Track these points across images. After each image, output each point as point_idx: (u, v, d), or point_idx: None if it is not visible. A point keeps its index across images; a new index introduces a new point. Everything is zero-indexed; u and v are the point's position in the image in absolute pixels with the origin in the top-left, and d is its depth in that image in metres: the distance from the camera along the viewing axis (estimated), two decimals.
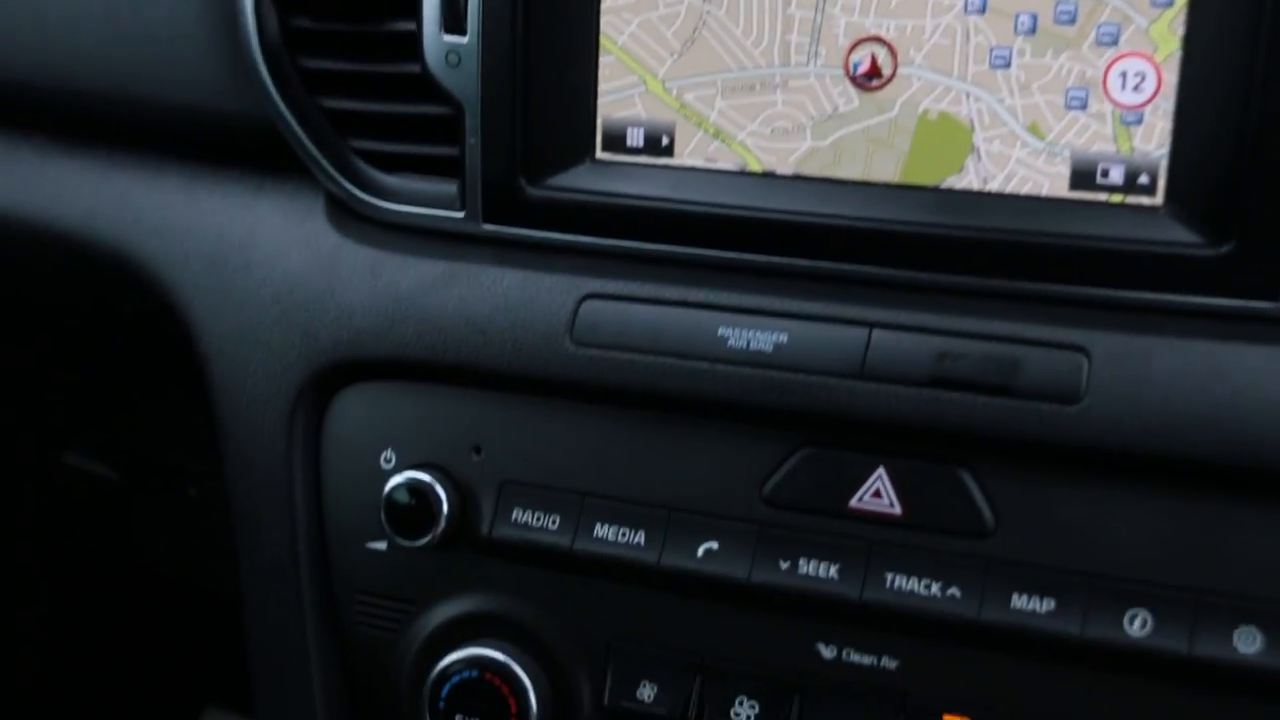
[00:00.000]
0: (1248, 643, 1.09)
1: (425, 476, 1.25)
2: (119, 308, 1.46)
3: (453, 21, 1.27)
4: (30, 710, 2.61)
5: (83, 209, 1.46)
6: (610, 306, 1.23)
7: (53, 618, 2.57)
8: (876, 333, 1.17)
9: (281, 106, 1.34)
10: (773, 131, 1.24)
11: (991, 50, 1.19)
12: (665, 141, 1.27)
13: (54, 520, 2.28)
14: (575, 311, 1.23)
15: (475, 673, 1.26)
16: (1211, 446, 1.09)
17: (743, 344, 1.19)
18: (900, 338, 1.17)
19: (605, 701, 1.24)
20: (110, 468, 1.94)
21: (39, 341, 1.65)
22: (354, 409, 1.32)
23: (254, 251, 1.36)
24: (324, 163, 1.34)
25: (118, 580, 2.54)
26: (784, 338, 1.18)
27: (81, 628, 2.66)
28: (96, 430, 1.92)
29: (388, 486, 1.26)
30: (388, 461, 1.29)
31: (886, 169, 1.22)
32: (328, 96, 1.35)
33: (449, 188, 1.31)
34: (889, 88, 1.22)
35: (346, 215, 1.35)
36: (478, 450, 1.27)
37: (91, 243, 1.43)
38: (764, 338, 1.19)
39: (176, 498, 1.94)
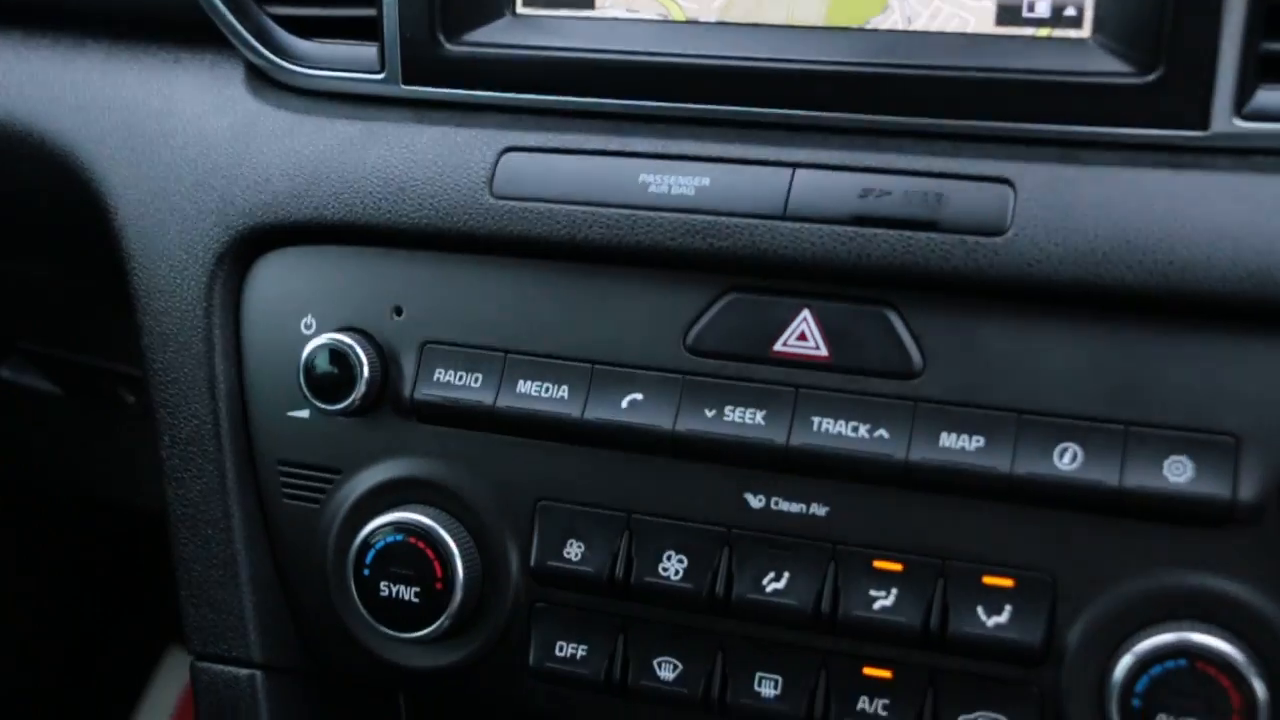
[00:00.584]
0: (1178, 472, 1.06)
1: (345, 339, 1.23)
2: (35, 200, 1.42)
3: None
4: None
5: None
6: (530, 159, 1.21)
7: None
8: (799, 173, 1.14)
9: None
10: None
11: None
12: None
13: None
14: (495, 165, 1.20)
15: (400, 537, 1.23)
16: (1139, 273, 1.07)
17: (664, 189, 1.17)
18: (823, 177, 1.14)
19: (532, 562, 1.20)
20: (48, 380, 1.90)
21: None
22: (273, 275, 1.29)
23: (171, 121, 1.33)
24: (241, 30, 1.31)
25: (69, 513, 2.51)
26: (706, 181, 1.15)
27: (36, 564, 2.64)
28: (31, 342, 1.88)
29: (306, 350, 1.24)
30: (308, 327, 1.27)
31: (811, 11, 1.19)
32: None
33: (367, 50, 1.28)
34: None
35: (265, 83, 1.33)
36: (399, 311, 1.24)
37: (6, 123, 1.40)
38: (686, 182, 1.16)
39: (115, 411, 1.90)
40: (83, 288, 1.49)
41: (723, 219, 1.16)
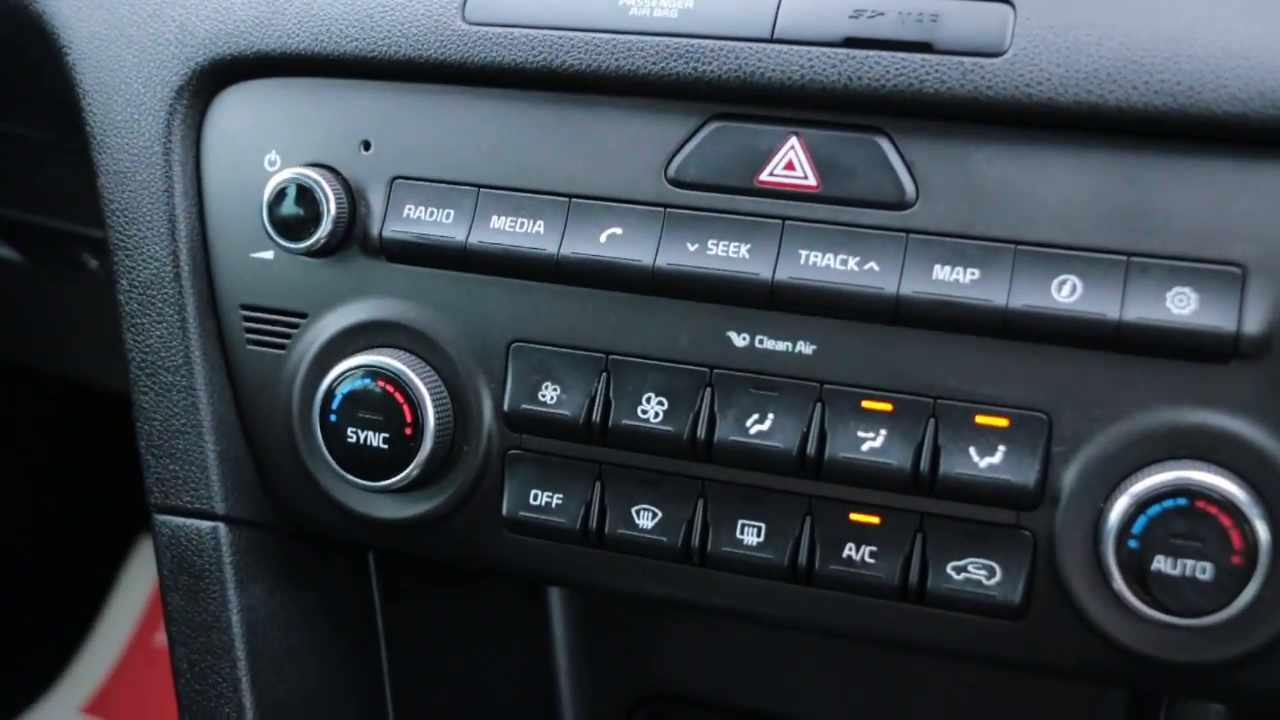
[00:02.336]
0: (1181, 304, 1.03)
1: (310, 174, 1.18)
2: None
3: None
4: None
5: None
6: None
7: None
8: None
9: None
10: None
11: None
12: None
13: None
14: None
15: (368, 381, 1.19)
16: (1145, 95, 1.03)
17: (646, 11, 1.12)
18: None
19: (506, 406, 1.16)
20: (9, 246, 1.84)
21: None
22: (235, 110, 1.25)
23: None
24: None
25: (39, 389, 2.48)
26: (690, 3, 1.12)
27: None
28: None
29: (269, 187, 1.19)
30: (272, 164, 1.22)
31: None
32: None
33: None
34: None
35: None
36: (367, 146, 1.20)
37: None
38: (669, 4, 1.12)
39: (79, 276, 1.85)
40: (42, 141, 1.43)
41: (707, 42, 1.11)
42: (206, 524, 1.31)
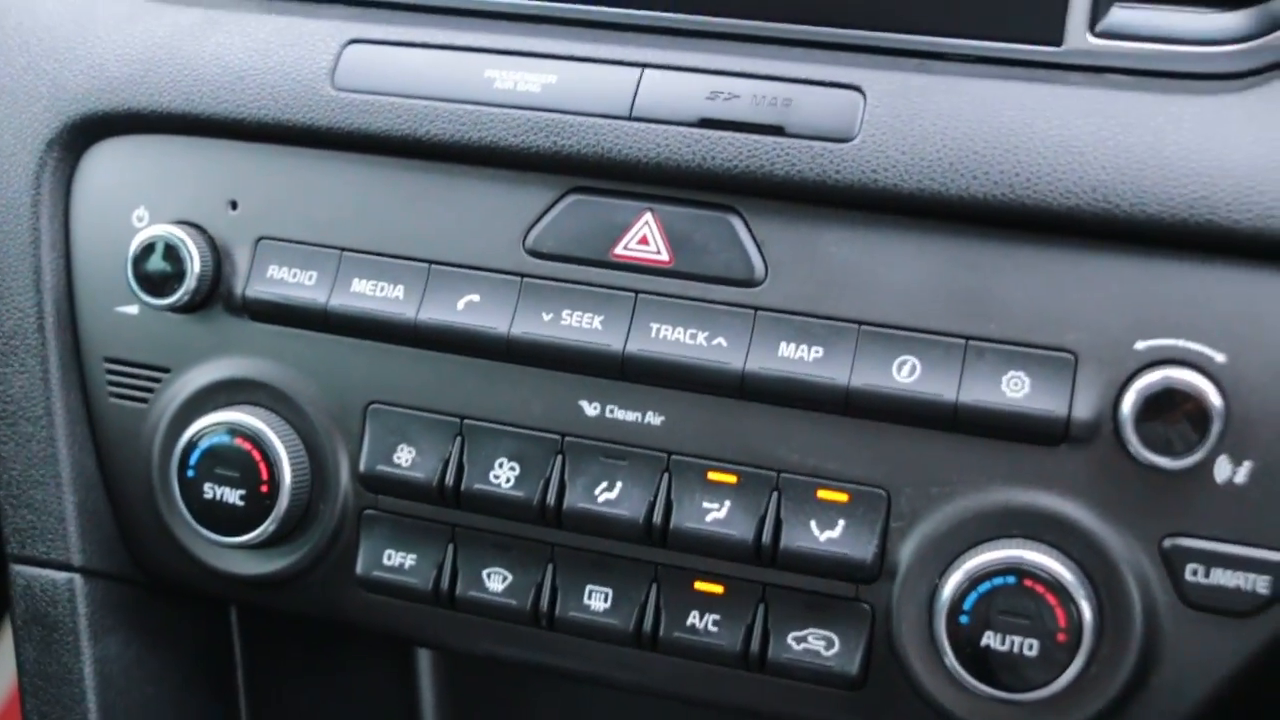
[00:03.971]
0: (1015, 388, 1.04)
1: (176, 231, 1.18)
2: None
3: None
4: None
5: None
6: (375, 51, 1.17)
7: None
8: (647, 73, 1.11)
9: None
10: None
11: None
12: None
13: None
14: (339, 56, 1.16)
15: (227, 438, 1.18)
16: (985, 185, 1.05)
17: (510, 85, 1.13)
18: (671, 77, 1.11)
19: (362, 467, 1.16)
20: None
21: None
22: (106, 165, 1.24)
23: (6, 3, 1.25)
24: None
25: None
26: (553, 79, 1.12)
27: None
28: None
29: (135, 242, 1.18)
30: (140, 220, 1.22)
31: None
32: None
33: None
34: None
35: None
36: (234, 205, 1.20)
37: None
38: (532, 79, 1.13)
39: None
40: None
41: (567, 117, 1.12)
42: (62, 575, 1.30)
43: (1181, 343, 1.02)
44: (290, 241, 1.19)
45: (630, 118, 1.11)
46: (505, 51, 1.15)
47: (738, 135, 1.09)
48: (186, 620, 1.36)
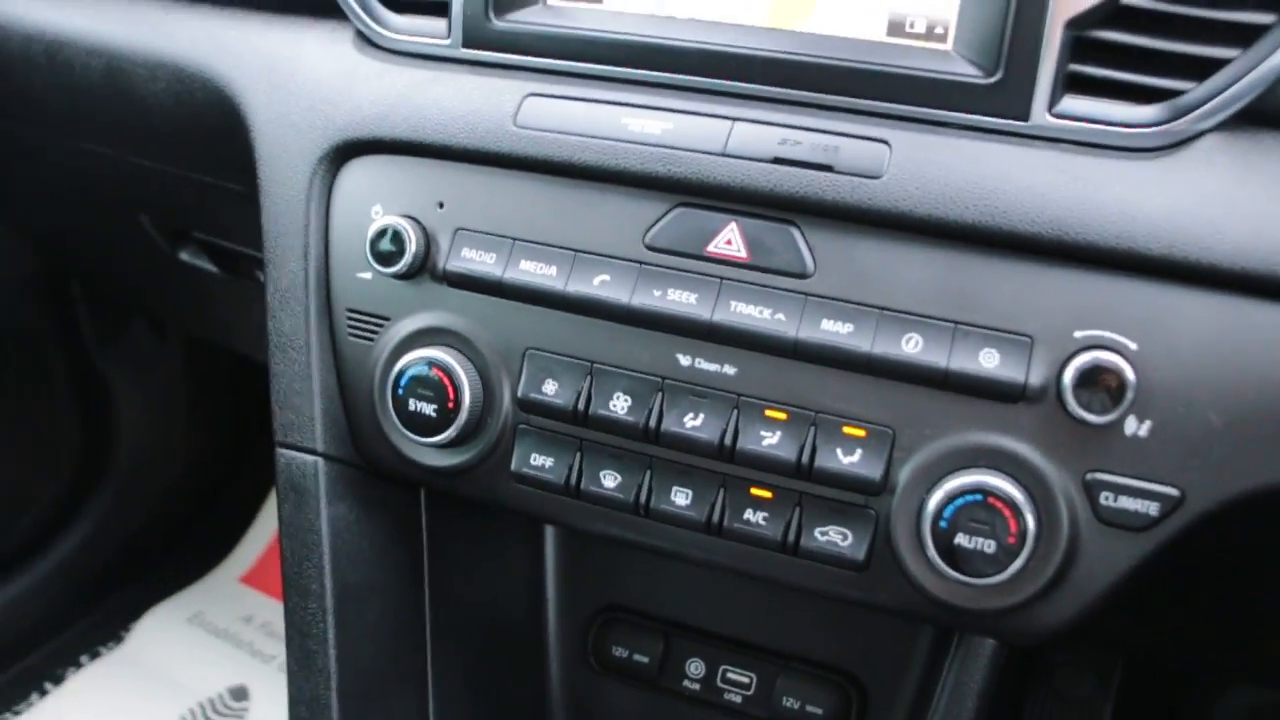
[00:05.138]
0: (989, 360, 1.03)
1: (400, 221, 1.19)
2: (204, 123, 1.39)
3: None
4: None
5: (186, 45, 1.40)
6: (546, 102, 1.18)
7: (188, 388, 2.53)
8: (737, 125, 1.11)
9: None
10: None
11: None
12: None
13: (181, 308, 2.23)
14: (520, 104, 1.16)
15: (426, 368, 1.20)
16: (975, 214, 1.04)
17: (639, 128, 1.14)
18: (754, 128, 1.11)
19: (519, 394, 1.16)
20: (211, 262, 1.87)
21: (166, 151, 1.59)
22: (356, 175, 1.26)
23: (298, 65, 1.30)
24: (354, 5, 1.27)
25: (226, 363, 2.49)
26: (670, 125, 1.13)
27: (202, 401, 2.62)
28: (204, 231, 1.85)
29: (372, 228, 1.19)
30: (376, 213, 1.23)
31: (756, 14, 1.17)
32: None
33: (440, 24, 1.25)
34: None
35: (366, 43, 1.29)
36: (441, 205, 1.21)
37: (190, 68, 1.38)
38: (655, 124, 1.13)
39: (251, 285, 1.88)
40: (235, 192, 1.45)
41: (678, 153, 1.12)
42: (310, 458, 1.32)
43: (1107, 333, 1.02)
44: (479, 232, 1.20)
45: (723, 154, 1.11)
46: (637, 105, 1.15)
47: (799, 170, 1.09)
48: (391, 495, 1.38)
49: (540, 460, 1.20)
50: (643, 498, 1.17)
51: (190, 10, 1.46)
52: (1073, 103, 1.06)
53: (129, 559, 2.61)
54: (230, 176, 1.53)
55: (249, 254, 1.78)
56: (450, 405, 1.20)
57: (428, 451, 1.25)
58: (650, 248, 1.15)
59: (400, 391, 1.22)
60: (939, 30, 1.11)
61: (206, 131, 1.44)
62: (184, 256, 1.95)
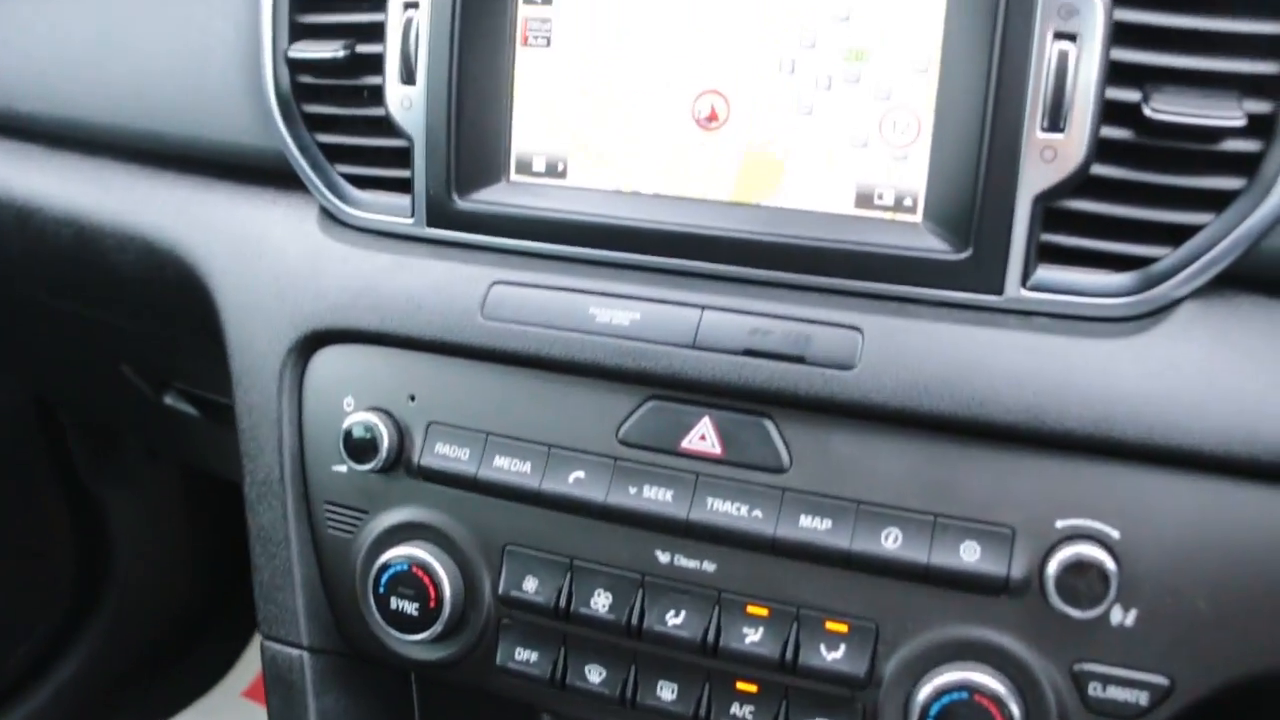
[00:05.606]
0: (970, 554, 1.05)
1: (372, 417, 1.21)
2: (174, 292, 1.43)
3: (406, 75, 1.22)
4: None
5: (154, 218, 1.43)
6: (512, 290, 1.19)
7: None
8: (706, 313, 1.13)
9: (288, 141, 1.31)
10: (639, 160, 1.19)
11: (799, 102, 1.14)
12: (560, 167, 1.22)
13: (169, 442, 2.27)
14: (486, 294, 1.19)
15: (406, 566, 1.22)
16: (949, 405, 1.05)
17: (607, 320, 1.15)
18: (723, 317, 1.12)
19: (500, 591, 1.19)
20: (192, 407, 1.93)
21: (139, 318, 1.64)
22: (326, 364, 1.28)
23: (265, 246, 1.33)
24: (316, 182, 1.30)
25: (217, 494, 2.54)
26: (638, 315, 1.14)
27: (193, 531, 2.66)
28: (183, 382, 1.90)
29: (345, 424, 1.22)
30: (349, 405, 1.25)
31: (722, 189, 1.18)
32: (321, 132, 1.31)
33: (403, 201, 1.27)
34: (724, 128, 1.17)
35: (331, 220, 1.31)
36: (413, 398, 1.23)
37: (159, 243, 1.41)
38: (623, 315, 1.15)
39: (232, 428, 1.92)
40: (210, 349, 1.49)
41: (648, 345, 1.14)
42: (295, 651, 1.34)
43: (1088, 522, 1.03)
44: (452, 426, 1.22)
45: (693, 347, 1.13)
46: (604, 294, 1.17)
47: (771, 363, 1.10)
48: (382, 682, 1.39)
49: (524, 655, 1.23)
50: (628, 693, 1.19)
51: (157, 178, 1.50)
52: (1046, 274, 1.07)
53: (129, 682, 2.65)
54: (204, 338, 1.58)
55: (229, 404, 1.83)
56: (432, 604, 1.23)
57: (413, 646, 1.27)
58: (624, 442, 1.17)
59: (381, 589, 1.24)
60: (908, 202, 1.13)
61: (178, 302, 1.48)
62: (168, 401, 2.01)
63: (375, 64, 1.26)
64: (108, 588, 2.57)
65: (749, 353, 1.11)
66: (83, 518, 2.50)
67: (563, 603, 1.18)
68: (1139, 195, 1.05)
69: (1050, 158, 1.04)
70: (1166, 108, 1.00)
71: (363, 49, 1.27)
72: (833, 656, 1.10)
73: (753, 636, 1.12)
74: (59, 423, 2.44)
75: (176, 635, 2.74)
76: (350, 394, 1.26)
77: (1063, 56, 1.02)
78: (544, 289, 1.19)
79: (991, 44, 1.04)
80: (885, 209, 1.12)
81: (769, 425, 1.11)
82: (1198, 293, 1.05)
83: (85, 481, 2.50)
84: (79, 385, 2.18)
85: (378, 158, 1.30)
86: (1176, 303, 1.05)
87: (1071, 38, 1.02)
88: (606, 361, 1.15)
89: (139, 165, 1.51)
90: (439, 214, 1.25)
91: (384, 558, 1.23)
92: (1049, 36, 1.02)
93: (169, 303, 1.48)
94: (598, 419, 1.17)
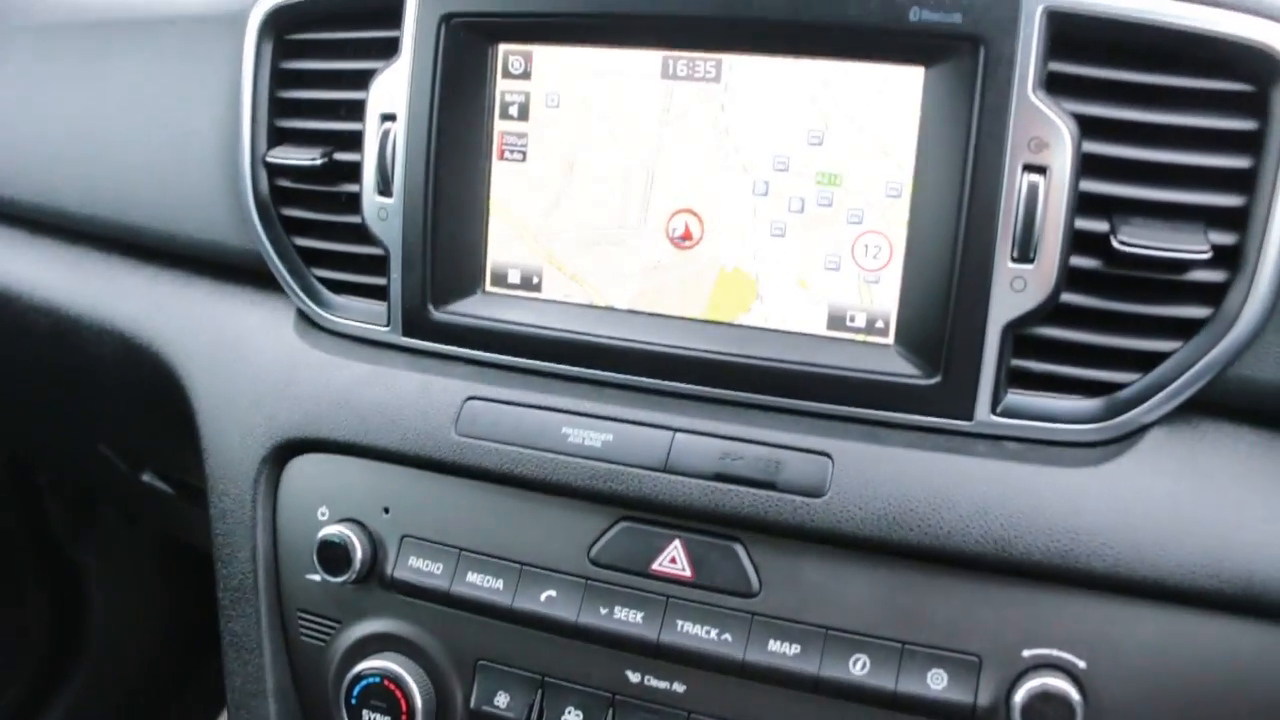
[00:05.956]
0: (937, 681, 1.08)
1: (346, 530, 1.24)
2: (150, 385, 1.47)
3: (383, 187, 1.26)
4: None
5: (132, 311, 1.46)
6: (486, 406, 1.22)
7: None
8: (678, 435, 1.15)
9: (266, 243, 1.34)
10: (614, 275, 1.23)
11: (772, 223, 1.17)
12: (535, 280, 1.26)
13: (149, 517, 2.31)
14: (460, 408, 1.22)
15: (378, 678, 1.24)
16: (918, 535, 1.08)
17: (579, 440, 1.18)
18: (695, 440, 1.15)
19: (472, 705, 1.23)
20: (169, 486, 1.97)
21: (116, 405, 1.68)
22: (301, 474, 1.30)
23: (241, 349, 1.35)
24: (293, 285, 1.34)
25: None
26: (610, 437, 1.17)
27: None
28: (160, 465, 1.95)
29: (319, 536, 1.25)
30: (323, 515, 1.28)
31: (695, 307, 1.21)
32: (298, 236, 1.35)
33: (380, 307, 1.30)
34: (698, 247, 1.20)
35: (308, 324, 1.35)
36: (387, 510, 1.25)
37: (137, 338, 1.44)
38: (595, 436, 1.17)
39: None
40: (187, 443, 1.54)
41: (619, 468, 1.16)
42: None
43: (1055, 652, 1.06)
44: (425, 540, 1.25)
45: (665, 470, 1.16)
46: (576, 413, 1.19)
47: (742, 488, 1.14)
48: None
49: None
50: None
51: (136, 271, 1.54)
52: (1015, 399, 1.11)
53: None
54: (181, 429, 1.62)
55: (196, 485, 1.87)
56: (404, 717, 1.25)
57: None
58: (595, 563, 1.19)
59: (354, 701, 1.26)
60: (879, 324, 1.18)
61: (156, 394, 1.52)
62: (145, 479, 2.05)
63: (352, 172, 1.30)
64: (82, 652, 2.59)
65: (720, 478, 1.14)
66: (58, 581, 2.53)
67: (534, 718, 1.20)
68: (1107, 323, 1.08)
69: (1020, 287, 1.07)
70: (1134, 240, 1.04)
71: (341, 157, 1.31)
72: None
73: None
74: (36, 484, 2.48)
75: (150, 701, 2.76)
76: (325, 504, 1.28)
77: (1033, 188, 1.06)
78: (517, 406, 1.22)
79: (963, 173, 1.07)
80: (857, 331, 1.16)
81: (739, 549, 1.14)
82: (1165, 419, 1.08)
83: (62, 545, 2.53)
84: (55, 454, 2.22)
85: (354, 264, 1.33)
86: (1144, 428, 1.08)
87: (1042, 170, 1.05)
88: (578, 483, 1.17)
89: (119, 257, 1.54)
90: (415, 324, 1.28)
91: (356, 669, 1.25)
92: (1019, 168, 1.06)
93: (146, 394, 1.51)
94: (569, 539, 1.19)
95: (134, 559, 2.58)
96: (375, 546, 1.24)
